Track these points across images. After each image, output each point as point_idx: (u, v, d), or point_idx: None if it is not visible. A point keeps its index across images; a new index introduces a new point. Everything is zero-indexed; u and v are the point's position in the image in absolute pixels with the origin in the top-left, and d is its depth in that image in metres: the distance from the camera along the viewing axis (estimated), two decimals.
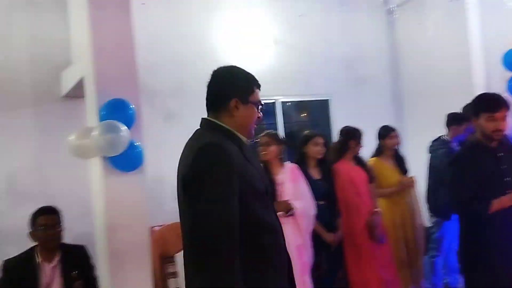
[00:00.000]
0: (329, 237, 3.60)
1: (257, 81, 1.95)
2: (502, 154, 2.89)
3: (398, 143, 4.23)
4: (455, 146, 4.41)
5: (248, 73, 1.95)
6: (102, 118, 3.07)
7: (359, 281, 3.64)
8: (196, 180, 1.67)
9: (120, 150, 3.01)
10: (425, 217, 4.77)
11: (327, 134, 6.02)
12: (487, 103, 2.88)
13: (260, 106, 1.94)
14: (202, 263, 1.61)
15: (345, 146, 3.96)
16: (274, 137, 3.58)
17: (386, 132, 4.23)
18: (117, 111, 3.07)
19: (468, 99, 4.82)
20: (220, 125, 1.85)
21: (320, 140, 3.74)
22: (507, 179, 2.82)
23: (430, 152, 4.64)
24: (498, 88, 4.55)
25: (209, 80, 1.93)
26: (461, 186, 2.84)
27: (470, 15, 5.24)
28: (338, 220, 3.72)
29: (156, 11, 5.14)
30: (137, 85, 3.35)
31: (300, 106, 6.60)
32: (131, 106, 3.15)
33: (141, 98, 3.45)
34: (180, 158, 1.85)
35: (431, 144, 4.67)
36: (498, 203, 2.74)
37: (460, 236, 3.08)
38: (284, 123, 6.21)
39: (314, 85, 6.09)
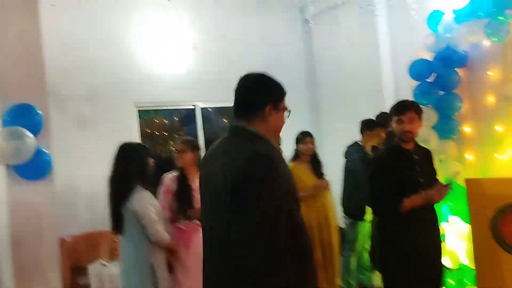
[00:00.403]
0: None
1: (284, 88, 2.02)
2: (417, 157, 3.10)
3: (311, 149, 4.34)
4: (369, 151, 4.63)
5: (277, 80, 2.02)
6: (6, 123, 2.89)
7: None
8: (254, 185, 1.73)
9: (25, 157, 2.85)
10: (340, 219, 4.97)
11: None
12: (396, 107, 3.12)
13: (288, 113, 2.02)
14: (268, 259, 1.67)
15: None
16: (190, 144, 3.54)
17: (300, 138, 4.35)
18: (22, 116, 2.91)
19: (379, 106, 5.15)
20: (256, 133, 1.89)
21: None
22: (421, 180, 3.02)
23: (345, 157, 4.83)
24: (406, 95, 4.80)
25: (239, 87, 2.01)
26: (377, 184, 3.01)
27: (379, 26, 5.53)
28: None
29: (68, 12, 4.94)
30: (45, 90, 3.19)
31: (221, 112, 6.63)
32: (38, 112, 2.99)
33: (50, 103, 3.29)
34: (213, 164, 1.92)
35: (346, 149, 4.86)
36: (409, 202, 2.91)
37: (372, 236, 3.24)
38: (205, 129, 6.20)
39: (232, 92, 6.12)
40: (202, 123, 6.14)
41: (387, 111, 3.38)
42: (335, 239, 4.36)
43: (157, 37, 5.59)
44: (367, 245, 4.73)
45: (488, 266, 2.93)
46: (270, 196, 1.72)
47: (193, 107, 6.08)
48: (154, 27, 5.60)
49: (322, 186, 4.34)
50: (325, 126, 6.62)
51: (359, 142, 4.74)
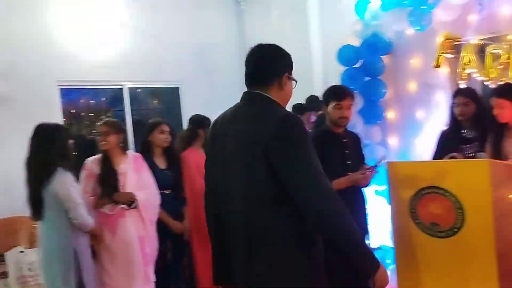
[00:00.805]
0: (175, 225, 3.57)
1: None
2: (346, 140, 3.22)
3: None
4: None
5: None
6: None
7: (206, 273, 3.66)
8: (291, 145, 1.83)
9: None
10: None
11: (178, 122, 6.00)
12: (335, 93, 3.19)
13: (295, 83, 2.11)
14: (322, 203, 1.82)
15: (194, 134, 3.94)
16: (113, 125, 3.41)
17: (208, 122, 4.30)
18: None
19: (308, 90, 5.22)
20: (274, 100, 1.97)
21: (166, 128, 3.66)
22: (349, 162, 3.14)
23: None
24: (334, 81, 4.92)
25: (254, 56, 2.10)
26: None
27: (310, 11, 5.58)
28: (185, 209, 3.70)
29: None
30: None
31: (152, 93, 6.46)
32: None
33: None
34: (231, 128, 1.99)
35: None
36: (337, 184, 2.97)
37: None
38: (135, 110, 6.01)
39: (164, 72, 5.99)
40: (130, 104, 5.94)
41: (316, 94, 3.44)
42: None
43: (82, 13, 5.31)
44: None
45: (406, 245, 3.06)
46: (310, 152, 1.85)
47: (120, 87, 5.86)
48: (79, 2, 5.30)
49: None
50: None
51: None
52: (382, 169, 3.18)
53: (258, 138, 1.86)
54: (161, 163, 3.66)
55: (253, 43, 6.80)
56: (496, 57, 3.97)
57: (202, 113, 4.17)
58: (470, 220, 2.71)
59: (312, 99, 4.92)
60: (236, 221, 1.97)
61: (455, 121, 3.48)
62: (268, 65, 2.06)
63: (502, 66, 3.93)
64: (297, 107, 4.82)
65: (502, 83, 3.78)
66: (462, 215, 2.78)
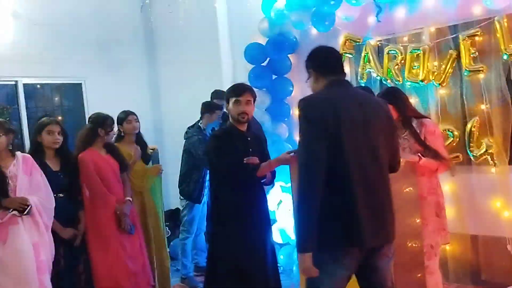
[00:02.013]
0: (65, 233, 3.35)
1: None
2: (250, 138, 3.27)
3: (136, 128, 4.16)
4: (208, 133, 4.63)
5: None
6: None
7: (106, 274, 3.49)
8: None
9: None
10: (178, 200, 4.94)
11: (82, 120, 5.69)
12: (233, 89, 3.26)
13: None
14: (300, 197, 2.16)
15: (93, 133, 3.73)
16: (1, 126, 3.12)
17: (124, 117, 4.13)
18: None
19: (218, 87, 5.17)
20: None
21: (54, 128, 3.41)
22: None
23: (185, 138, 4.77)
24: (243, 78, 4.93)
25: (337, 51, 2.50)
26: (227, 155, 3.11)
27: (218, 8, 5.52)
28: (80, 213, 3.50)
29: None
30: None
31: (55, 89, 6.06)
32: None
33: None
34: (359, 109, 2.24)
35: (186, 130, 4.81)
36: (266, 166, 3.10)
37: (212, 217, 3.34)
38: (34, 107, 5.61)
39: (65, 67, 5.64)
40: (26, 101, 5.52)
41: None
42: (162, 223, 4.28)
43: None
44: (204, 226, 4.78)
45: None
46: None
47: (14, 83, 5.43)
48: None
49: (155, 172, 4.21)
50: (166, 106, 6.48)
51: (200, 124, 4.72)
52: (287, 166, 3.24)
53: (385, 118, 2.32)
54: (54, 165, 3.42)
55: (161, 39, 6.66)
56: (393, 57, 4.18)
57: (109, 110, 3.97)
58: None
59: (217, 92, 4.87)
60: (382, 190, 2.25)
61: None
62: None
63: (397, 66, 4.13)
64: (206, 105, 4.75)
65: (387, 86, 4.00)
66: None
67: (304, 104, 2.20)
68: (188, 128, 4.81)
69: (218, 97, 4.72)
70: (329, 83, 2.31)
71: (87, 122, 4.02)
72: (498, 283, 3.72)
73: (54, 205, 3.19)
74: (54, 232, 3.23)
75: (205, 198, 4.69)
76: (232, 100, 3.19)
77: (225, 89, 5.21)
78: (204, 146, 4.34)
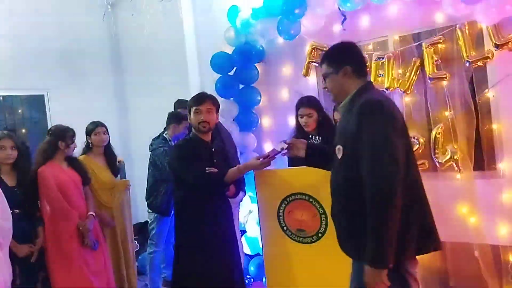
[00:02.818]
0: (20, 250, 3.22)
1: None
2: (214, 149, 3.23)
3: (104, 141, 4.07)
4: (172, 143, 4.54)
5: None
6: None
7: (69, 285, 3.37)
8: None
9: None
10: (146, 213, 4.82)
11: (45, 133, 5.52)
12: (194, 98, 3.22)
13: None
14: (376, 204, 2.00)
15: (53, 146, 3.61)
16: None
17: (92, 128, 4.04)
18: None
19: (186, 97, 5.08)
20: None
21: (7, 143, 3.29)
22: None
23: (150, 150, 4.67)
24: (210, 88, 4.87)
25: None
26: (192, 164, 3.02)
27: (184, 16, 5.45)
28: (39, 229, 3.37)
29: None
30: None
31: (14, 101, 5.88)
32: None
33: None
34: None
35: (151, 142, 4.70)
36: (234, 172, 3.04)
37: (176, 230, 3.25)
38: None
39: (27, 78, 5.49)
40: None
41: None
42: (131, 238, 4.19)
43: None
44: (173, 239, 4.67)
45: (274, 252, 3.09)
46: None
47: None
48: None
49: (122, 187, 4.11)
50: (133, 117, 6.36)
51: (165, 135, 4.62)
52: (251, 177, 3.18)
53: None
54: (10, 180, 3.30)
55: (126, 48, 6.52)
56: None
57: (73, 121, 3.87)
58: (332, 225, 2.78)
59: (180, 101, 4.80)
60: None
61: (301, 130, 3.63)
62: None
63: None
64: (172, 116, 4.66)
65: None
66: (325, 220, 2.86)
67: (378, 106, 2.07)
68: (153, 139, 4.71)
69: (182, 106, 4.64)
70: (367, 85, 2.24)
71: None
72: None
73: (11, 223, 3.06)
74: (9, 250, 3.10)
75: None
76: (193, 109, 3.14)
77: None
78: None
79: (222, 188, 3.10)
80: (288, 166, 3.55)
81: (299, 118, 3.60)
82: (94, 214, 3.68)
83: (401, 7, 3.98)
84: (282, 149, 2.73)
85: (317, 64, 4.53)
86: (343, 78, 2.22)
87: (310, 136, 3.51)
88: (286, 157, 3.21)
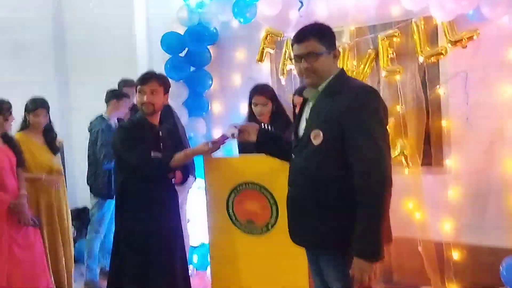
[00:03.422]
0: None
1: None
2: (161, 132, 3.00)
3: (42, 124, 3.79)
4: (114, 123, 4.31)
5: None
6: None
7: None
8: None
9: None
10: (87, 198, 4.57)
11: None
12: (139, 77, 2.98)
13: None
14: (374, 191, 1.93)
15: None
16: None
17: (32, 108, 3.74)
18: None
19: (133, 77, 4.83)
20: None
21: None
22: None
23: (89, 130, 4.40)
24: (159, 68, 4.63)
25: None
26: (136, 146, 2.83)
27: None
28: None
29: None
30: None
31: None
32: None
33: None
34: None
35: (91, 122, 4.44)
36: (181, 156, 2.86)
37: (116, 217, 3.06)
38: None
39: None
40: None
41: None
42: (68, 223, 3.96)
43: None
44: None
45: (221, 243, 2.98)
46: None
47: None
48: None
49: (52, 182, 3.82)
50: (75, 94, 6.01)
51: (104, 115, 4.37)
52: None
53: None
54: None
55: (70, 21, 6.13)
56: (290, 59, 4.11)
57: (7, 96, 3.56)
58: (283, 217, 2.69)
59: (126, 81, 4.56)
60: None
61: (254, 119, 3.46)
62: None
63: None
64: (111, 94, 4.39)
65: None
66: (276, 211, 2.76)
67: (376, 95, 2.06)
68: (92, 120, 4.44)
69: (127, 86, 4.42)
70: (343, 71, 2.20)
71: None
72: (410, 284, 3.78)
73: None
74: None
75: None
76: (138, 89, 2.93)
77: None
78: (106, 136, 4.07)
79: (167, 174, 2.92)
80: (238, 152, 3.41)
81: (252, 106, 3.43)
82: (25, 193, 3.42)
83: None
84: (233, 134, 2.58)
85: (271, 51, 4.43)
86: (332, 60, 2.13)
87: (263, 125, 3.39)
88: (236, 143, 3.08)
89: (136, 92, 2.97)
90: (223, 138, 2.68)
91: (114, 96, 4.32)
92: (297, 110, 3.25)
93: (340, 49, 2.22)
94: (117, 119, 4.38)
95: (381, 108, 2.06)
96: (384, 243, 2.02)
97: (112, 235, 4.47)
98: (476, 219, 3.65)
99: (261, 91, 3.46)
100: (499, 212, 3.55)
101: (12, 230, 3.28)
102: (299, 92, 3.20)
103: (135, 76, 4.83)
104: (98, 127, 4.25)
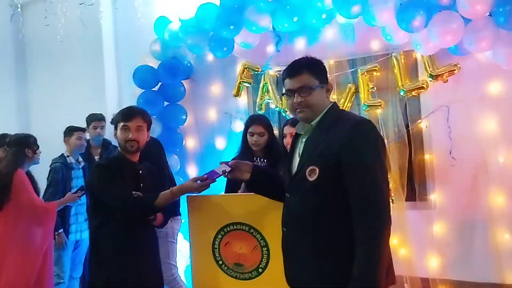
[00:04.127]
0: None
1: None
2: (142, 171, 2.78)
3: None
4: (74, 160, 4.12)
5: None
6: None
7: None
8: None
9: None
10: None
11: None
12: (122, 113, 2.75)
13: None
14: (375, 231, 1.82)
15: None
16: None
17: None
18: None
19: (102, 111, 4.62)
20: None
21: None
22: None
23: (50, 168, 4.14)
24: (130, 104, 4.44)
25: None
26: (116, 185, 2.59)
27: (104, 23, 4.99)
28: None
29: None
30: None
31: None
32: None
33: None
34: None
35: (52, 160, 4.18)
36: (167, 195, 2.57)
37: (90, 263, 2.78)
38: None
39: None
40: None
41: (111, 117, 2.97)
42: None
43: None
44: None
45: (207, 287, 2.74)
46: None
47: None
48: None
49: None
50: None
51: (64, 153, 4.13)
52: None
53: None
54: None
55: (34, 54, 5.85)
56: (282, 94, 4.03)
57: None
58: (275, 259, 2.52)
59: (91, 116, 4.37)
60: None
61: (247, 150, 3.31)
62: None
63: None
64: (68, 130, 4.18)
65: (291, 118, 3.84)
66: (267, 254, 2.58)
67: (374, 128, 1.95)
68: (54, 159, 4.20)
69: (94, 119, 4.30)
70: (336, 104, 2.12)
71: None
72: None
73: None
74: None
75: (75, 236, 4.11)
76: (120, 125, 2.68)
77: (109, 114, 4.71)
78: (58, 175, 3.95)
79: (151, 214, 2.68)
80: (226, 188, 3.22)
81: (248, 136, 3.28)
82: None
83: (338, 31, 3.91)
84: (224, 171, 2.40)
85: (248, 85, 4.34)
86: (325, 94, 2.05)
87: (255, 158, 3.23)
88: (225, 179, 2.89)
89: (116, 127, 2.74)
90: (214, 176, 2.48)
91: (65, 133, 4.15)
92: (287, 141, 3.15)
93: (330, 85, 2.09)
94: (81, 155, 4.19)
95: (380, 141, 1.98)
96: (386, 285, 1.90)
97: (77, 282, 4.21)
98: (462, 254, 3.60)
99: (259, 121, 3.32)
100: (485, 247, 3.50)
101: None
102: (291, 122, 3.09)
103: (104, 111, 4.67)
104: (57, 163, 4.02)
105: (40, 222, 3.51)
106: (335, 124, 1.97)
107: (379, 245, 1.82)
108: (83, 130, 4.18)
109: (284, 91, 2.11)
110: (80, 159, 4.21)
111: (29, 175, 3.64)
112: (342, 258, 1.88)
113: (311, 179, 1.94)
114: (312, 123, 2.05)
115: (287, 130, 3.15)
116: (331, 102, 2.09)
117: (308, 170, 1.95)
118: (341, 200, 1.88)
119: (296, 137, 2.19)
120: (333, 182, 1.90)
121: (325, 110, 2.04)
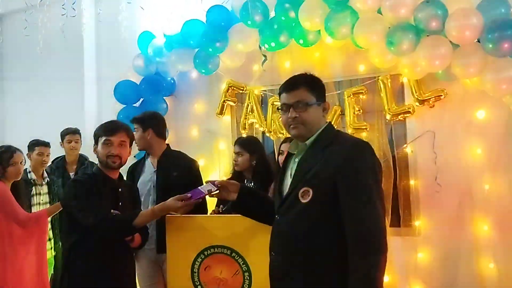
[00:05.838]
0: None
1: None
2: (121, 188, 2.65)
3: None
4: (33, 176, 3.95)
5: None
6: None
7: None
8: None
9: None
10: None
11: None
12: (105, 127, 2.62)
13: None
14: (370, 259, 1.75)
15: None
16: None
17: None
18: None
19: (80, 127, 4.48)
20: None
21: None
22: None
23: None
24: (109, 118, 4.30)
25: None
26: (93, 203, 2.45)
27: (86, 36, 4.88)
28: None
29: None
30: None
31: None
32: None
33: None
34: None
35: None
36: (148, 214, 2.50)
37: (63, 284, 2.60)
38: None
39: None
40: None
41: (91, 133, 2.83)
42: None
43: None
44: None
45: None
46: None
47: None
48: None
49: None
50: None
51: (27, 169, 3.95)
52: None
53: None
54: None
55: (10, 66, 5.66)
56: (277, 109, 3.95)
57: None
58: (257, 285, 2.40)
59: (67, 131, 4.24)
60: None
61: (239, 172, 3.33)
62: None
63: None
64: (33, 143, 4.01)
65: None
66: (249, 280, 2.46)
67: (371, 149, 1.90)
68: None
69: (68, 133, 4.24)
70: (332, 125, 2.08)
71: None
72: None
73: None
74: None
75: None
76: (102, 139, 2.55)
77: (87, 129, 4.57)
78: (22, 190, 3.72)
79: (130, 234, 2.53)
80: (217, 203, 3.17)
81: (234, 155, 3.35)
82: None
83: (325, 53, 3.88)
84: (210, 190, 2.28)
85: (233, 104, 4.25)
86: (321, 112, 1.98)
87: (246, 181, 3.18)
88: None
89: (97, 142, 2.60)
90: (199, 195, 2.36)
91: (28, 148, 3.98)
92: (282, 159, 3.07)
93: (327, 103, 2.04)
94: (56, 171, 4.03)
95: (376, 163, 1.91)
96: None
97: None
98: (447, 283, 3.52)
99: (238, 142, 3.39)
100: (470, 276, 3.43)
101: None
102: (290, 139, 3.03)
103: (82, 126, 4.52)
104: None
105: (30, 234, 3.49)
106: (331, 144, 1.91)
107: (374, 275, 1.75)
108: (45, 145, 3.99)
109: (279, 106, 2.04)
110: (45, 174, 4.02)
111: (16, 188, 3.56)
112: (335, 284, 1.81)
113: (304, 200, 1.86)
114: (306, 142, 1.98)
115: (285, 147, 3.10)
116: (327, 122, 2.02)
117: (301, 191, 1.88)
118: (335, 223, 1.81)
119: (288, 157, 2.12)
120: (327, 204, 1.83)
121: (321, 129, 1.97)
